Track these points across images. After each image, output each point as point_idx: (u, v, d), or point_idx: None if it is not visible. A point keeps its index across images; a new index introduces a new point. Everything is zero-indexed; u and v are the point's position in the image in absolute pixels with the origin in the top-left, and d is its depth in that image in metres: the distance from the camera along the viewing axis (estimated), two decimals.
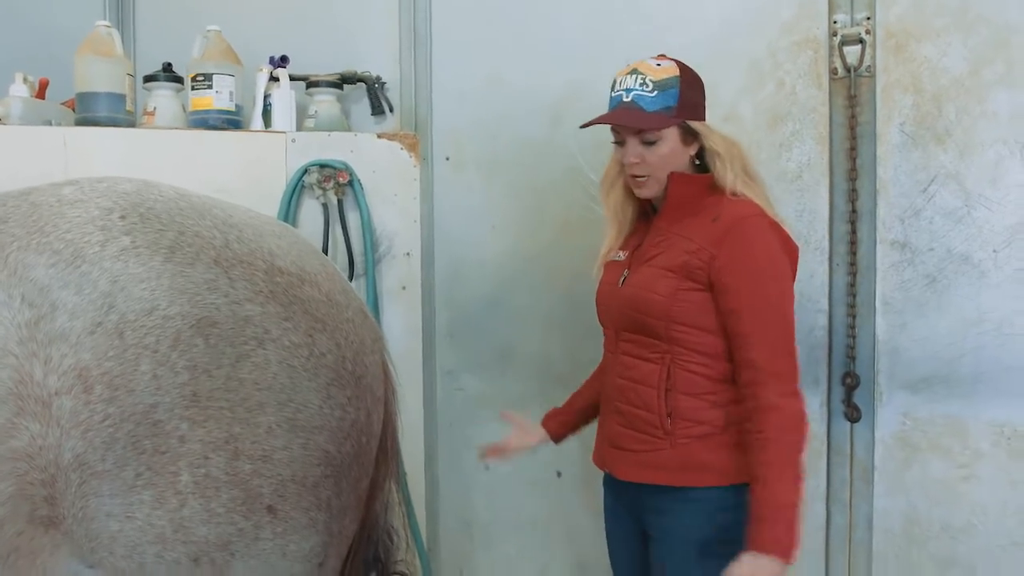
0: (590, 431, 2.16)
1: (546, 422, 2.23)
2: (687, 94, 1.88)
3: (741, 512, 1.82)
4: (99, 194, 1.35)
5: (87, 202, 1.33)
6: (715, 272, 1.81)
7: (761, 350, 1.78)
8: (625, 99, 1.87)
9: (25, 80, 2.56)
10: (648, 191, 1.93)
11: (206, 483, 1.29)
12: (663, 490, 1.87)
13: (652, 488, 1.89)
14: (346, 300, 1.58)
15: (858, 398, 2.41)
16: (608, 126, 1.95)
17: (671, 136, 1.88)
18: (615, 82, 1.92)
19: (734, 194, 1.89)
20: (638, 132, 1.87)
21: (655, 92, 1.85)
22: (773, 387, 1.77)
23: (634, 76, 1.88)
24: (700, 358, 1.85)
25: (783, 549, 1.70)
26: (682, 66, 1.91)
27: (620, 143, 1.94)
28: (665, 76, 1.86)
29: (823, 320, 2.46)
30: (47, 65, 2.72)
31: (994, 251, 2.28)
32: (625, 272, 1.97)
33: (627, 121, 1.87)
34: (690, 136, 1.91)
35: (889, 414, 2.39)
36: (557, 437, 2.22)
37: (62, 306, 1.23)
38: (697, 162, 1.96)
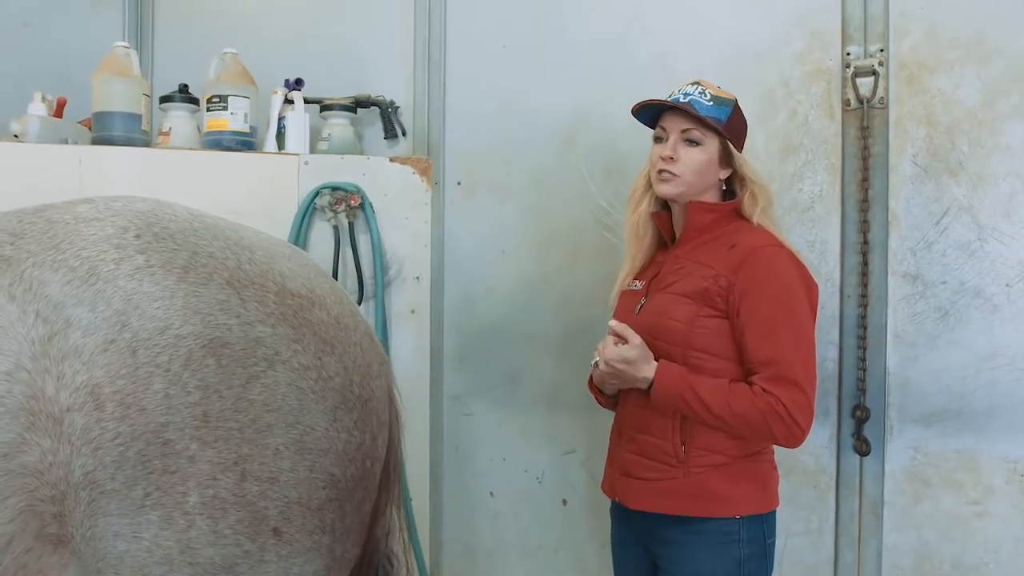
0: (596, 462, 2.15)
1: None
2: (736, 120, 1.94)
3: (755, 547, 1.81)
4: (114, 212, 1.36)
5: (102, 220, 1.33)
6: (732, 299, 1.82)
7: (774, 371, 1.76)
8: (681, 100, 1.91)
9: (43, 99, 2.58)
10: (670, 189, 1.93)
11: (214, 504, 1.28)
12: (674, 521, 1.85)
13: (663, 518, 1.87)
14: (354, 324, 1.58)
15: (868, 431, 2.40)
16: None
17: (712, 146, 1.92)
18: (672, 92, 1.96)
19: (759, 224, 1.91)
20: (684, 129, 1.91)
21: (711, 102, 1.90)
22: (785, 395, 1.75)
23: (695, 86, 1.93)
24: None
25: (661, 381, 1.77)
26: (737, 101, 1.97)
27: (660, 140, 1.96)
28: (723, 95, 1.93)
29: (833, 352, 2.44)
30: (65, 84, 2.74)
31: (1007, 285, 2.27)
32: (642, 300, 1.98)
33: (682, 107, 1.90)
34: (726, 160, 1.94)
35: (899, 448, 2.37)
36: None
37: (76, 323, 1.23)
38: (724, 188, 1.99)
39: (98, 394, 1.21)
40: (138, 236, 1.33)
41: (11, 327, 1.20)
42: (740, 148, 1.96)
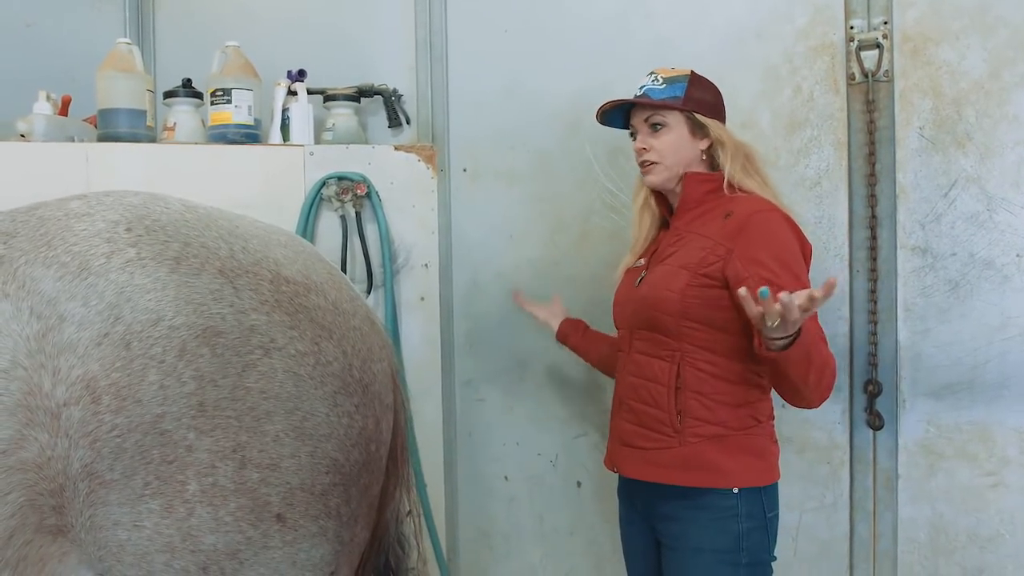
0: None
1: (568, 321, 2.43)
2: (694, 90, 1.99)
3: (755, 521, 1.81)
4: (106, 207, 1.37)
5: (93, 215, 1.34)
6: (731, 266, 1.83)
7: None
8: (637, 94, 2.02)
9: (48, 98, 2.60)
10: (655, 178, 2.02)
11: (214, 492, 1.30)
12: (674, 495, 1.87)
13: (663, 492, 1.89)
14: (353, 308, 1.58)
15: (880, 405, 2.38)
16: (627, 138, 2.09)
17: (677, 124, 1.99)
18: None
19: (740, 188, 1.95)
20: (646, 119, 2.01)
21: (664, 85, 1.98)
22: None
23: (649, 76, 2.03)
24: (710, 356, 1.86)
25: (805, 337, 1.64)
26: (696, 72, 2.03)
27: (635, 136, 2.06)
28: (675, 74, 2.01)
29: (844, 327, 2.42)
30: (69, 83, 2.77)
31: (1017, 255, 2.24)
32: (643, 274, 2.02)
33: (636, 100, 2.01)
34: (699, 130, 1.99)
35: (912, 421, 2.35)
36: (561, 335, 2.45)
37: (69, 318, 1.24)
38: (706, 158, 2.03)
39: (94, 387, 1.22)
40: (129, 229, 1.33)
41: (6, 325, 1.22)
42: (715, 115, 2.01)
